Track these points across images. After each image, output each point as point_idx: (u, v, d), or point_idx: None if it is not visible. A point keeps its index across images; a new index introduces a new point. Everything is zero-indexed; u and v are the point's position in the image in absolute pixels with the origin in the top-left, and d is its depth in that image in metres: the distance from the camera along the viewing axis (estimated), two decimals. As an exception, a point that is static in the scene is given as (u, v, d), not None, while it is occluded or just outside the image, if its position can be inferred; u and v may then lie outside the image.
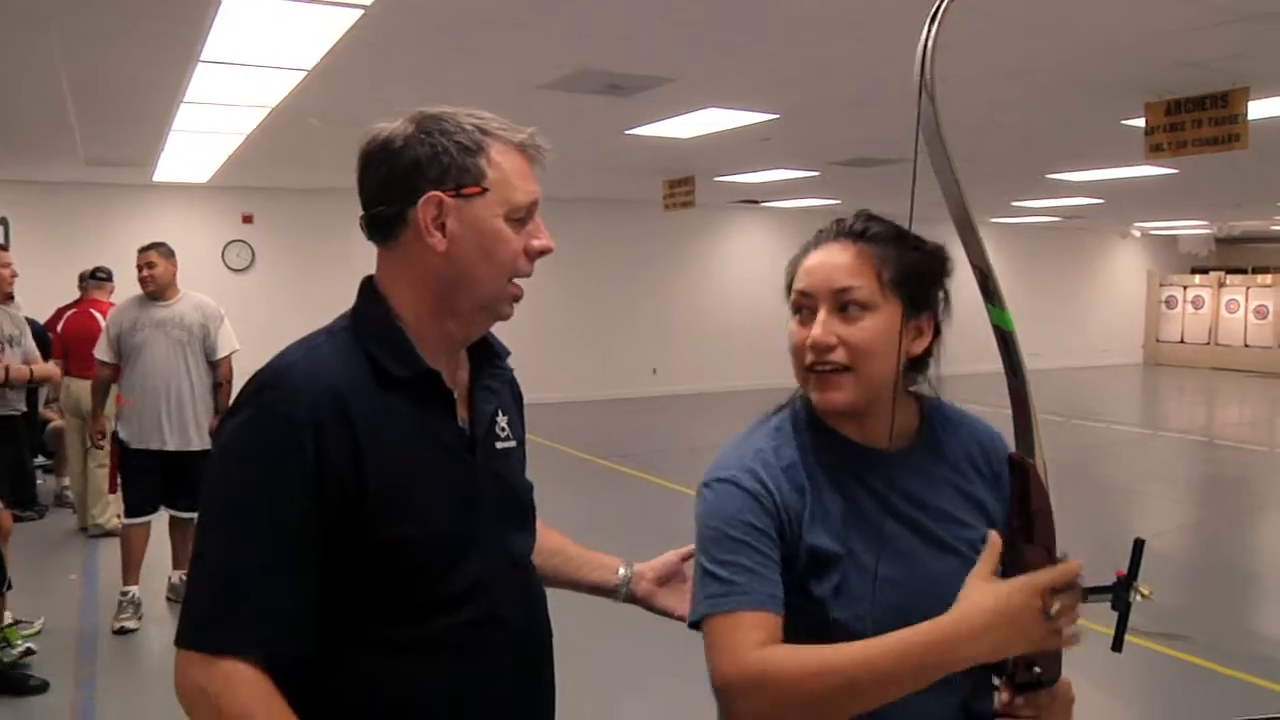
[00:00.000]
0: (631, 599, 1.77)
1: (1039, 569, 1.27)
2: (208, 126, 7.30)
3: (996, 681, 1.41)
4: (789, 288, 1.46)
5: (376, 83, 5.76)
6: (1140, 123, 5.90)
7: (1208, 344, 19.79)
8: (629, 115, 6.91)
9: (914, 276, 1.40)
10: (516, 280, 1.40)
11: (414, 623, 1.33)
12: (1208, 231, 19.11)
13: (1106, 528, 7.11)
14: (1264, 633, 5.52)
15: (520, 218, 1.37)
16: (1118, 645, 1.42)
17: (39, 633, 4.64)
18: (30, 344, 5.27)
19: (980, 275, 1.39)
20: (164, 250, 5.19)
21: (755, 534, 1.33)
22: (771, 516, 1.35)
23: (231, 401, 1.36)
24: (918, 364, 1.46)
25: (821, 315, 1.38)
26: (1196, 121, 5.54)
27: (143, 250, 5.21)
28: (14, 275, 5.36)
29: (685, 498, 7.29)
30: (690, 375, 14.87)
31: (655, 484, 8.59)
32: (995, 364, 1.44)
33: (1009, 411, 1.50)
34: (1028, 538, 1.31)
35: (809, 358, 1.38)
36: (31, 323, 5.83)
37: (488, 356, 1.51)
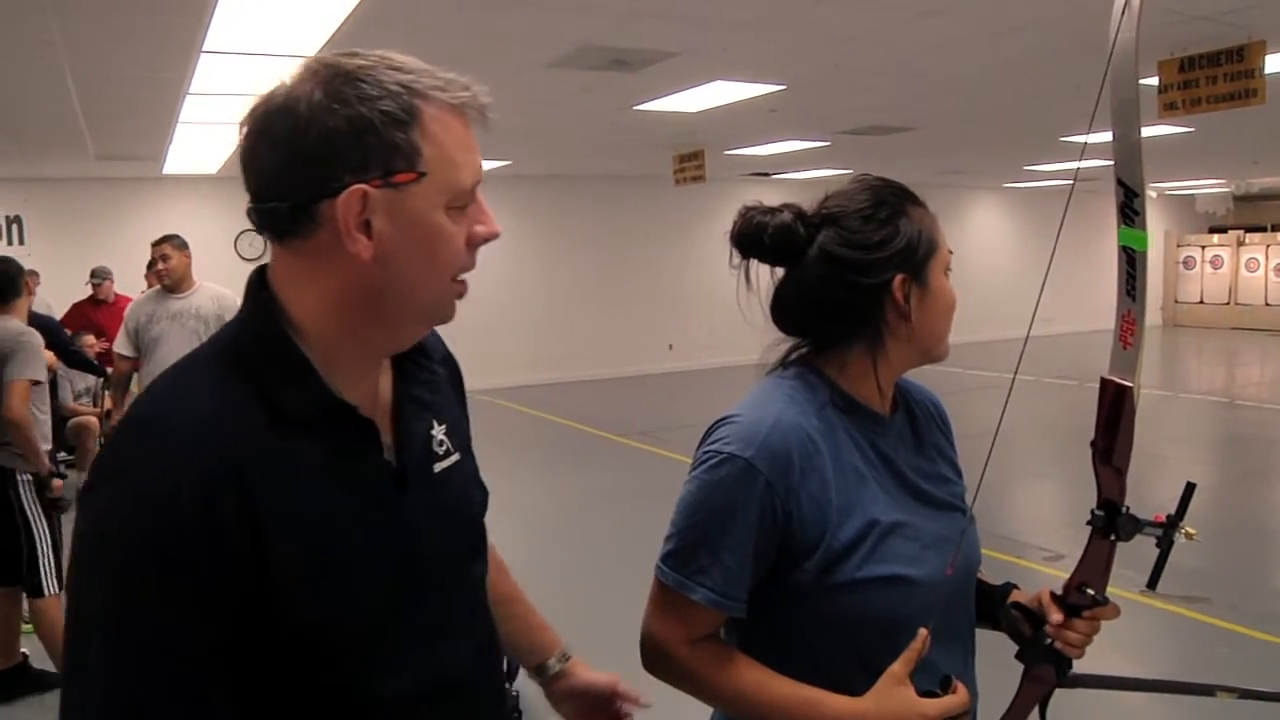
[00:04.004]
0: (545, 685, 1.53)
1: (1110, 488, 1.37)
2: (214, 117, 7.31)
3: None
4: (931, 247, 1.43)
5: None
6: (1153, 81, 5.82)
7: (1227, 304, 19.63)
8: (636, 90, 6.88)
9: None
10: (461, 277, 1.10)
11: (355, 713, 1.07)
12: (1226, 190, 18.90)
13: (1128, 490, 7.00)
14: (1288, 592, 5.49)
15: (463, 203, 1.07)
16: (1153, 583, 1.45)
17: None
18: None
19: (1129, 195, 1.44)
20: (177, 242, 5.20)
21: (749, 532, 1.33)
22: (774, 516, 1.33)
23: (89, 472, 1.04)
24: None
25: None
26: (1211, 78, 5.46)
27: (156, 243, 5.23)
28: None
29: (703, 473, 7.22)
30: (706, 350, 14.83)
31: (673, 460, 8.59)
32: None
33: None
34: (1106, 458, 1.36)
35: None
36: (43, 317, 5.88)
37: (414, 356, 1.21)
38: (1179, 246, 20.47)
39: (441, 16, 4.77)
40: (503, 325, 13.50)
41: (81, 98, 6.37)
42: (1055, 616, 1.38)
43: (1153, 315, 20.44)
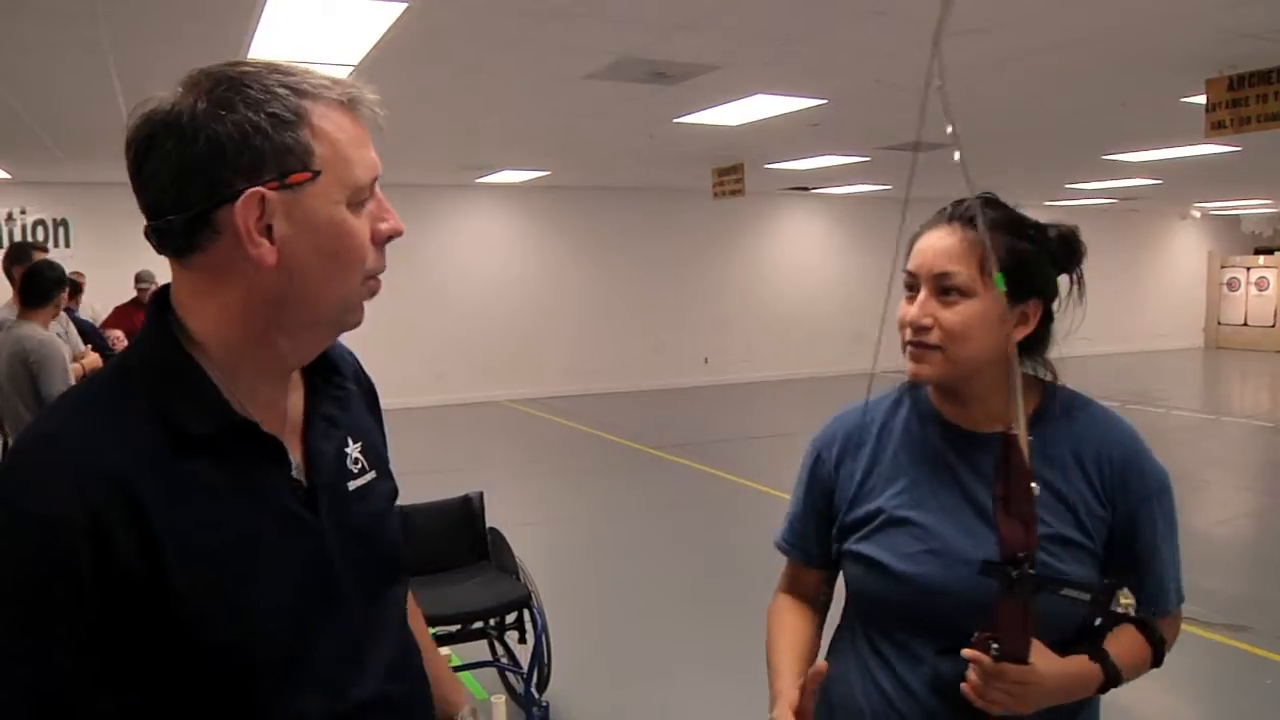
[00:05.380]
0: None
1: (1012, 541, 1.27)
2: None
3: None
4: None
5: (422, 77, 5.79)
6: (1200, 99, 5.74)
7: (1273, 326, 19.29)
8: (676, 103, 6.87)
9: (1020, 265, 1.42)
10: (371, 276, 1.09)
11: None
12: (1273, 210, 18.63)
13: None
14: (1334, 622, 5.37)
15: (362, 200, 1.05)
16: (1111, 670, 1.39)
17: None
18: (76, 339, 5.43)
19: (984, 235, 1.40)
20: None
21: (803, 490, 1.66)
22: (821, 480, 1.62)
23: None
24: (1030, 348, 1.50)
25: (922, 296, 1.45)
26: (1261, 96, 5.37)
27: None
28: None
29: (739, 487, 7.28)
30: (742, 365, 14.81)
31: (709, 474, 8.57)
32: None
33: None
34: (1006, 509, 1.29)
35: (908, 333, 1.47)
36: (82, 322, 6.01)
37: (324, 374, 1.19)
38: (1223, 267, 20.17)
39: (481, 27, 4.80)
40: (539, 335, 13.55)
41: (128, 103, 6.47)
42: (971, 674, 1.33)
43: (1194, 337, 20.16)
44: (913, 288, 1.48)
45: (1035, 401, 1.49)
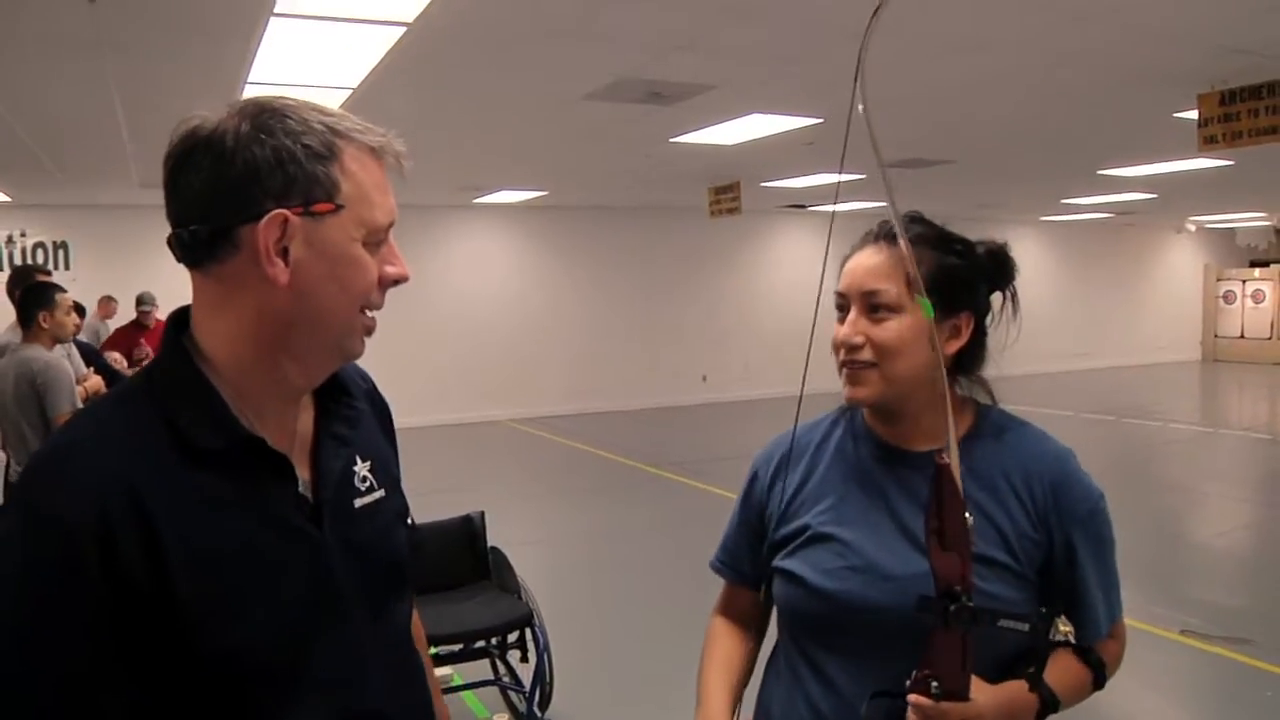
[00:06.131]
0: None
1: (947, 574, 1.24)
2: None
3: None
4: None
5: (421, 98, 5.82)
6: (1193, 114, 5.79)
7: (1269, 338, 19.34)
8: (672, 123, 6.92)
9: (948, 280, 1.44)
10: (369, 312, 1.13)
11: None
12: (1267, 223, 18.70)
13: (1168, 527, 6.97)
14: (1335, 634, 5.37)
15: (378, 241, 1.11)
16: (1050, 698, 1.37)
17: None
18: (78, 361, 5.46)
19: (909, 258, 1.39)
20: None
21: (739, 507, 1.67)
22: (755, 497, 1.63)
23: None
24: (965, 365, 1.50)
25: (852, 315, 1.47)
26: (1253, 111, 5.42)
27: None
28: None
29: (737, 504, 7.13)
30: (741, 382, 14.82)
31: (708, 491, 8.57)
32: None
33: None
34: (940, 542, 1.25)
35: (841, 354, 1.48)
36: (82, 344, 6.03)
37: (335, 395, 1.23)
38: (1219, 280, 20.23)
39: (480, 49, 4.84)
40: (538, 355, 13.57)
41: (129, 126, 6.50)
42: (912, 716, 1.29)
43: (1191, 350, 20.19)
44: (843, 308, 1.49)
45: (969, 421, 1.50)
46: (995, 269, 1.50)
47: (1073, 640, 1.39)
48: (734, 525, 1.68)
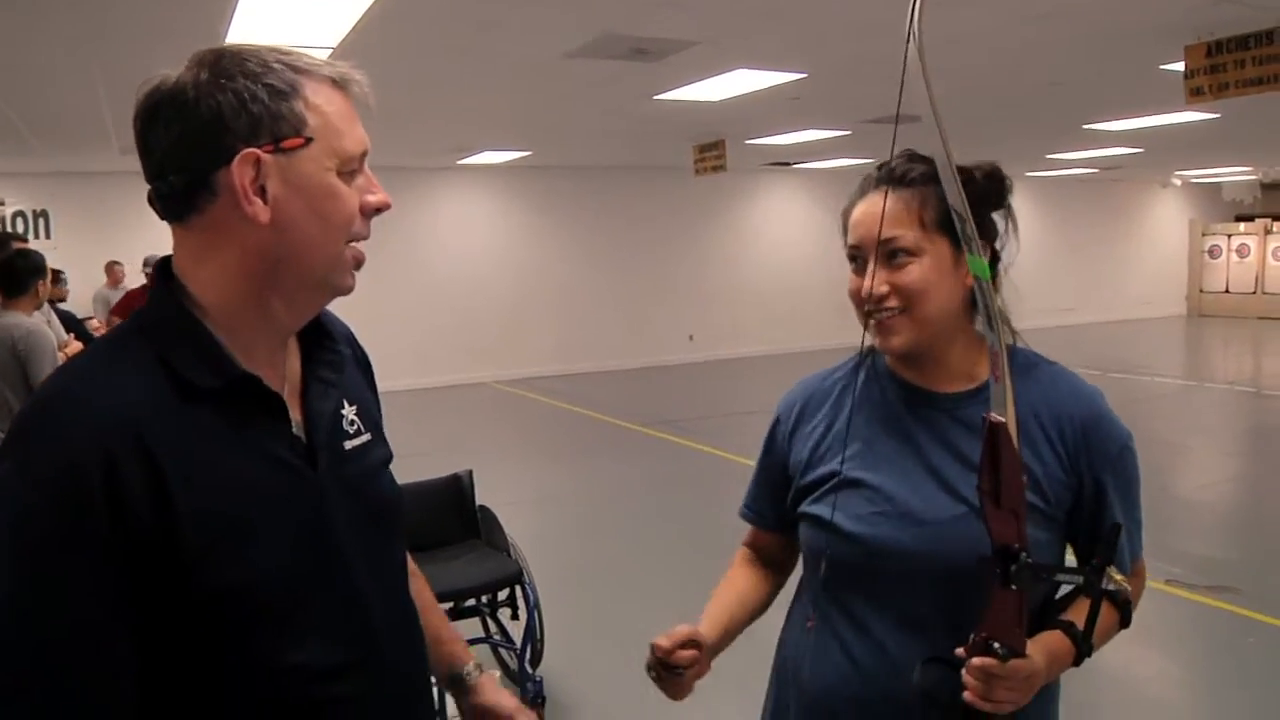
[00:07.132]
0: (459, 696, 1.49)
1: (1003, 533, 1.23)
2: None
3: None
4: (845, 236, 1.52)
5: (403, 58, 5.76)
6: (1179, 67, 5.76)
7: (1254, 293, 19.41)
8: (656, 80, 6.86)
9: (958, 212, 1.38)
10: (355, 244, 1.15)
11: (267, 682, 1.09)
12: (1253, 177, 18.71)
13: (1153, 479, 6.94)
14: (1317, 582, 5.44)
15: (352, 170, 1.12)
16: (1088, 648, 1.33)
17: None
18: (59, 328, 5.47)
19: (960, 220, 1.33)
20: None
21: (765, 460, 1.67)
22: (778, 443, 1.64)
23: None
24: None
25: (871, 267, 1.43)
26: (1239, 62, 5.39)
27: None
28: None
29: (725, 463, 7.29)
30: (727, 341, 14.83)
31: (695, 449, 8.60)
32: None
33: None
34: (995, 501, 1.24)
35: (866, 306, 1.46)
36: (63, 312, 6.02)
37: (318, 339, 1.25)
38: (1204, 235, 20.26)
39: (460, 6, 4.78)
40: (524, 315, 13.54)
41: (107, 91, 6.42)
42: (971, 678, 1.26)
43: (1177, 305, 20.26)
44: (856, 259, 1.48)
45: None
46: (994, 189, 1.50)
47: (1127, 587, 1.36)
48: (757, 471, 1.70)
